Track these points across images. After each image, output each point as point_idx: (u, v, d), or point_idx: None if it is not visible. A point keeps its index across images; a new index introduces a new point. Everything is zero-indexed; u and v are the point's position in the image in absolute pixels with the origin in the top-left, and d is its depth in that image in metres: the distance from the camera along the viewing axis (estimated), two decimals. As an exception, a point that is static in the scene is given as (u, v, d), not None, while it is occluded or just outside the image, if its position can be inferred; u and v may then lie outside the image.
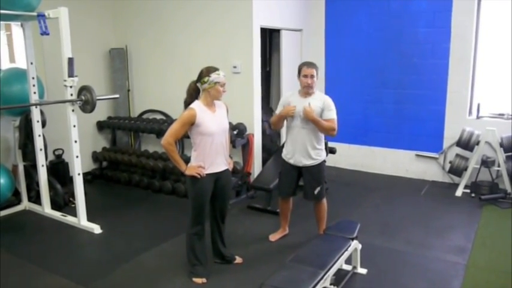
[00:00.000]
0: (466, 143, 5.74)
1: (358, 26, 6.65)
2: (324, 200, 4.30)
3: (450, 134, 6.16)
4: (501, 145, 5.61)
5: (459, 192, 5.79)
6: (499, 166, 5.68)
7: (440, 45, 6.04)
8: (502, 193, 5.50)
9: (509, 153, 5.59)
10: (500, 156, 5.63)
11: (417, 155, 6.50)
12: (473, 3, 5.78)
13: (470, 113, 6.11)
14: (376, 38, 6.53)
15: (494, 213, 5.13)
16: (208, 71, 3.48)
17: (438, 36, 6.04)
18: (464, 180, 5.84)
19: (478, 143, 5.70)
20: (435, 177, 6.41)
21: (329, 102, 4.04)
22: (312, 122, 3.98)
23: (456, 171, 5.90)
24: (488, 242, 4.38)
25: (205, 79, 3.46)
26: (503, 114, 5.91)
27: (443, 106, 6.16)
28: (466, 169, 5.81)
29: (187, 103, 3.55)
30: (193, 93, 3.57)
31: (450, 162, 5.98)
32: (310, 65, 4.06)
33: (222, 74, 3.49)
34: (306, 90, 4.04)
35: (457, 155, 5.95)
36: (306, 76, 4.00)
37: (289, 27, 6.49)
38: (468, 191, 5.78)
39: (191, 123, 3.42)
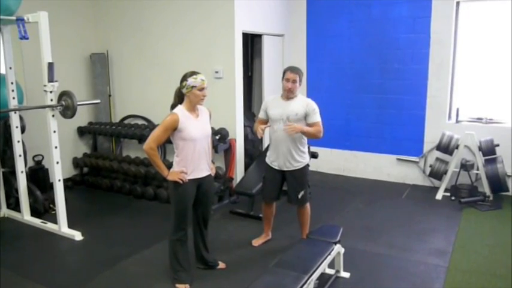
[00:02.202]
0: (446, 147, 5.82)
1: (339, 31, 6.71)
2: (307, 205, 4.31)
3: (430, 138, 6.25)
4: (480, 149, 5.71)
5: (439, 195, 5.87)
6: (478, 169, 5.78)
7: (420, 50, 6.14)
8: (481, 196, 5.59)
9: (488, 157, 5.68)
10: (479, 160, 5.73)
11: (398, 159, 6.57)
12: (452, 10, 5.88)
13: (449, 117, 6.21)
14: (357, 43, 6.60)
15: (473, 216, 5.20)
16: (186, 75, 3.46)
17: (418, 42, 6.13)
18: (444, 184, 5.93)
19: (457, 147, 5.79)
20: (416, 181, 6.49)
21: (312, 105, 4.05)
22: (301, 132, 4.00)
23: (436, 174, 5.98)
24: (468, 244, 4.45)
25: (184, 83, 3.44)
26: (481, 119, 6.02)
27: (424, 111, 6.25)
28: (446, 173, 5.90)
29: (173, 108, 3.54)
30: (178, 98, 3.55)
31: (430, 166, 6.06)
32: (294, 70, 4.07)
33: (200, 78, 3.44)
34: (287, 94, 4.07)
35: (437, 159, 6.03)
36: (288, 80, 4.02)
37: (271, 33, 6.53)
38: (448, 194, 5.86)
39: (174, 128, 3.40)
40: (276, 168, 4.18)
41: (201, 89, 3.44)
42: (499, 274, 3.80)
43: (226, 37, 5.74)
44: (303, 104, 4.05)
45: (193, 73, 3.46)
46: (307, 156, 4.22)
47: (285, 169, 4.15)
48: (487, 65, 5.94)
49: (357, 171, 6.92)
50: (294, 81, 4.00)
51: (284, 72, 4.09)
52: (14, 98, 4.95)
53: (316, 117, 4.04)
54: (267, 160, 4.28)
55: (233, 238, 4.65)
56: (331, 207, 5.56)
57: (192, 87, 3.41)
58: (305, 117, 4.03)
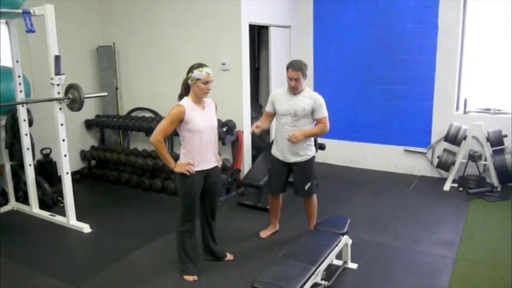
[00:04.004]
0: (454, 138, 5.79)
1: (346, 22, 6.67)
2: (314, 196, 4.31)
3: (438, 129, 6.22)
4: (488, 139, 5.67)
5: (447, 186, 5.85)
6: (486, 160, 5.74)
7: (428, 41, 6.09)
8: (489, 187, 5.57)
9: (496, 148, 5.64)
10: (487, 151, 5.69)
11: (406, 150, 6.54)
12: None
13: (457, 108, 6.17)
14: (364, 34, 6.55)
15: (481, 207, 5.18)
16: (193, 67, 3.45)
17: (425, 32, 6.08)
18: (452, 175, 5.90)
19: (465, 138, 5.76)
20: (424, 172, 6.46)
21: (320, 101, 4.02)
22: (307, 137, 4.02)
23: (444, 165, 5.96)
24: (476, 235, 4.43)
25: (189, 75, 3.43)
26: (489, 109, 5.97)
27: (431, 102, 6.21)
28: (453, 164, 5.87)
29: (181, 98, 3.54)
30: (184, 89, 3.55)
31: (438, 157, 6.03)
32: (296, 67, 3.97)
33: (206, 71, 3.40)
34: (291, 91, 4.05)
35: (445, 150, 6.00)
36: (290, 79, 3.98)
37: (278, 24, 6.50)
38: (456, 185, 5.83)
39: (180, 120, 3.40)
40: (282, 160, 4.18)
41: (206, 83, 3.41)
42: (507, 265, 3.78)
43: (233, 29, 5.72)
44: (310, 98, 4.02)
45: (200, 65, 3.44)
46: (313, 148, 4.21)
47: (291, 161, 4.14)
48: (495, 55, 5.87)
49: (364, 162, 6.90)
50: (297, 80, 3.95)
51: (287, 69, 4.02)
52: (21, 91, 4.97)
53: (323, 113, 4.03)
54: (273, 152, 4.28)
55: (241, 230, 4.66)
56: (339, 198, 5.56)
57: (197, 79, 3.40)
58: (312, 112, 4.02)
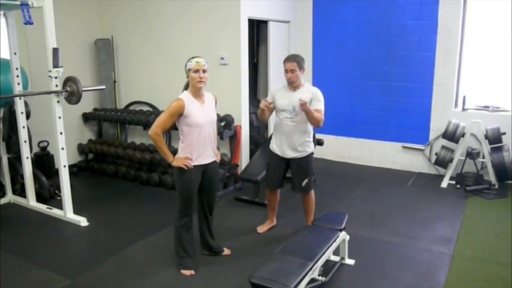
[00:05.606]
0: (452, 135, 5.79)
1: (345, 18, 6.64)
2: (312, 192, 4.31)
3: (436, 126, 6.21)
4: (486, 137, 5.67)
5: (445, 183, 5.85)
6: (483, 158, 5.75)
7: (427, 37, 6.07)
8: (487, 184, 5.58)
9: (494, 145, 5.65)
10: (485, 148, 5.69)
11: (404, 147, 6.54)
12: (460, -5, 5.81)
13: (456, 105, 6.16)
14: (363, 30, 6.53)
15: (479, 204, 5.19)
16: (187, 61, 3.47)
17: (425, 28, 6.07)
18: (449, 172, 5.90)
19: (463, 135, 5.76)
20: (421, 169, 6.47)
21: (318, 93, 4.03)
22: (306, 112, 3.95)
23: (442, 162, 5.96)
24: (473, 232, 4.44)
25: (185, 69, 3.45)
26: (488, 107, 5.97)
27: (430, 98, 6.21)
28: (451, 161, 5.87)
29: None
30: (185, 88, 3.55)
31: (436, 153, 6.03)
32: (291, 58, 4.02)
33: (196, 60, 3.41)
34: (290, 85, 4.04)
35: (443, 147, 6.00)
36: (286, 71, 3.99)
37: (277, 19, 6.47)
38: (454, 182, 5.84)
39: (179, 114, 3.39)
40: (280, 155, 4.17)
41: (196, 71, 3.40)
42: (504, 262, 3.80)
43: (231, 23, 5.69)
44: (308, 93, 4.01)
45: (192, 57, 3.46)
46: (311, 144, 4.20)
47: (289, 157, 4.14)
48: (495, 53, 5.87)
49: (362, 158, 6.90)
50: (293, 71, 3.96)
51: (283, 64, 4.04)
52: (18, 83, 4.94)
53: (319, 105, 4.01)
54: (271, 147, 4.27)
55: (238, 225, 4.66)
56: (336, 194, 5.56)
57: (189, 70, 3.42)
58: (310, 104, 4.00)
